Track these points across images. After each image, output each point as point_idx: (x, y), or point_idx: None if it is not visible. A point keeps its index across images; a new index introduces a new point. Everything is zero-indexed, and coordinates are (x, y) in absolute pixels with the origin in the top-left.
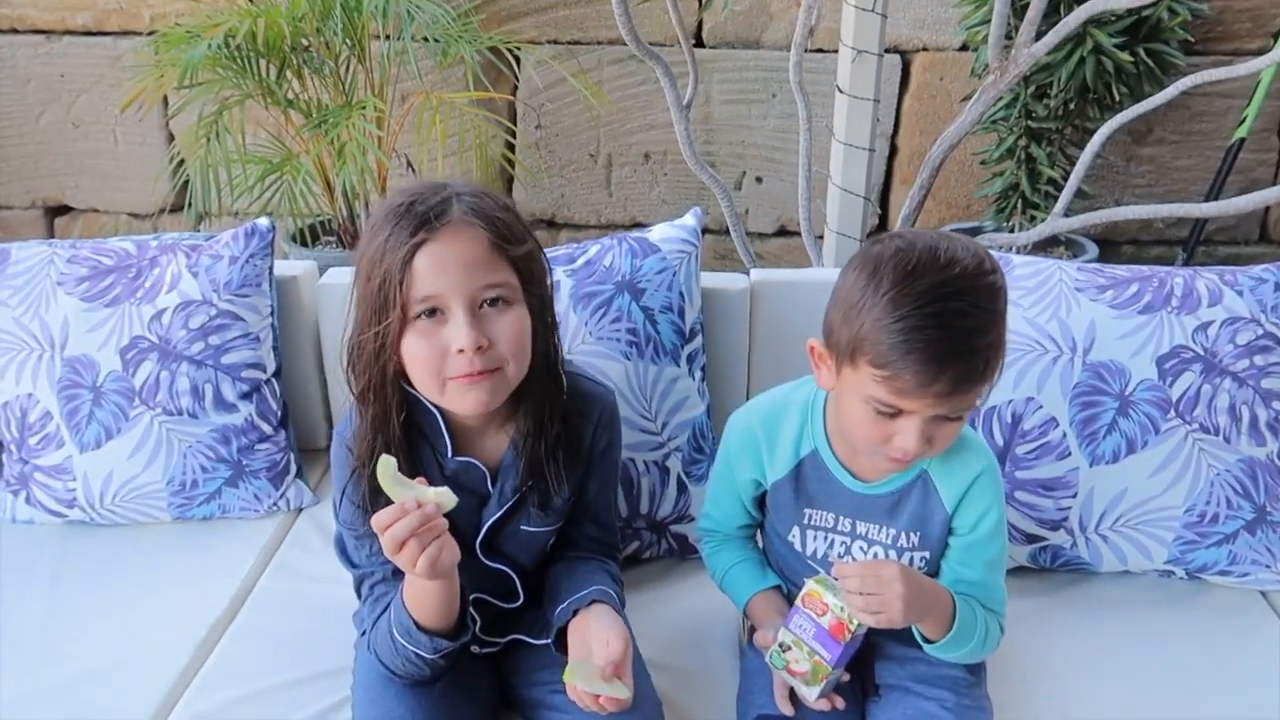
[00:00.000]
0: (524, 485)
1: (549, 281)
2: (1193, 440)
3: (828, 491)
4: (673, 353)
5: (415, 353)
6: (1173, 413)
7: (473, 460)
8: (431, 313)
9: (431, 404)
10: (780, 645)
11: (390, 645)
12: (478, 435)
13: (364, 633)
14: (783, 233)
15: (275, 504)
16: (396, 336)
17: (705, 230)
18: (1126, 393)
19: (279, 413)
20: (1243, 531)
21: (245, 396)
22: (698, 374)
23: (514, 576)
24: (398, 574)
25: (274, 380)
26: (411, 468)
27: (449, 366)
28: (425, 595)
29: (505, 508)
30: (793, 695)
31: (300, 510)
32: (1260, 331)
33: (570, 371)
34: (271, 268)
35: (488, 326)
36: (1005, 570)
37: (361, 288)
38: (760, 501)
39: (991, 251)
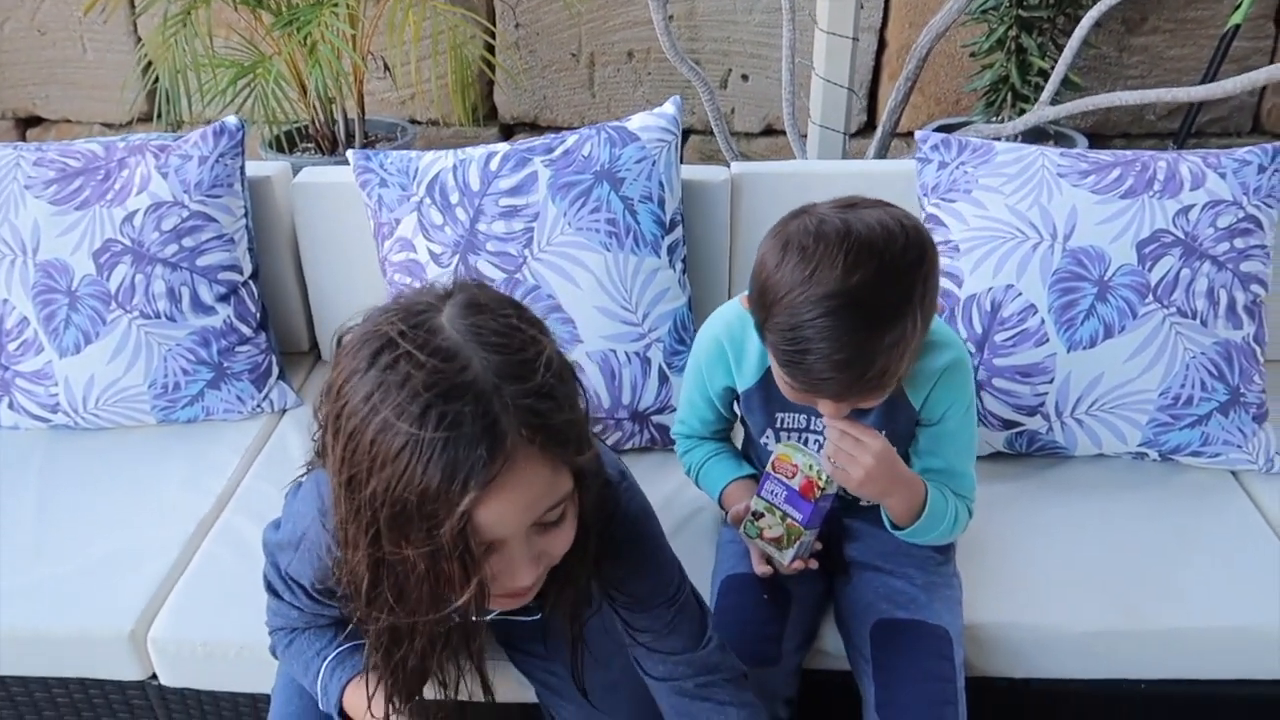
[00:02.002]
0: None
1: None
2: (1170, 324)
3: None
4: (653, 243)
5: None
6: (1151, 297)
7: None
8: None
9: None
10: (753, 514)
11: (304, 681)
12: None
13: (274, 646)
14: (769, 132)
15: (259, 406)
16: (466, 580)
17: (690, 130)
18: (1105, 278)
19: (258, 315)
20: (1216, 413)
21: (223, 299)
22: (678, 265)
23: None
24: (309, 624)
25: (251, 282)
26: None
27: (498, 587)
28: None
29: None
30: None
31: (284, 412)
32: (1242, 214)
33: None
34: (243, 168)
35: (542, 544)
36: (975, 456)
37: (391, 536)
38: (732, 403)
39: (972, 142)
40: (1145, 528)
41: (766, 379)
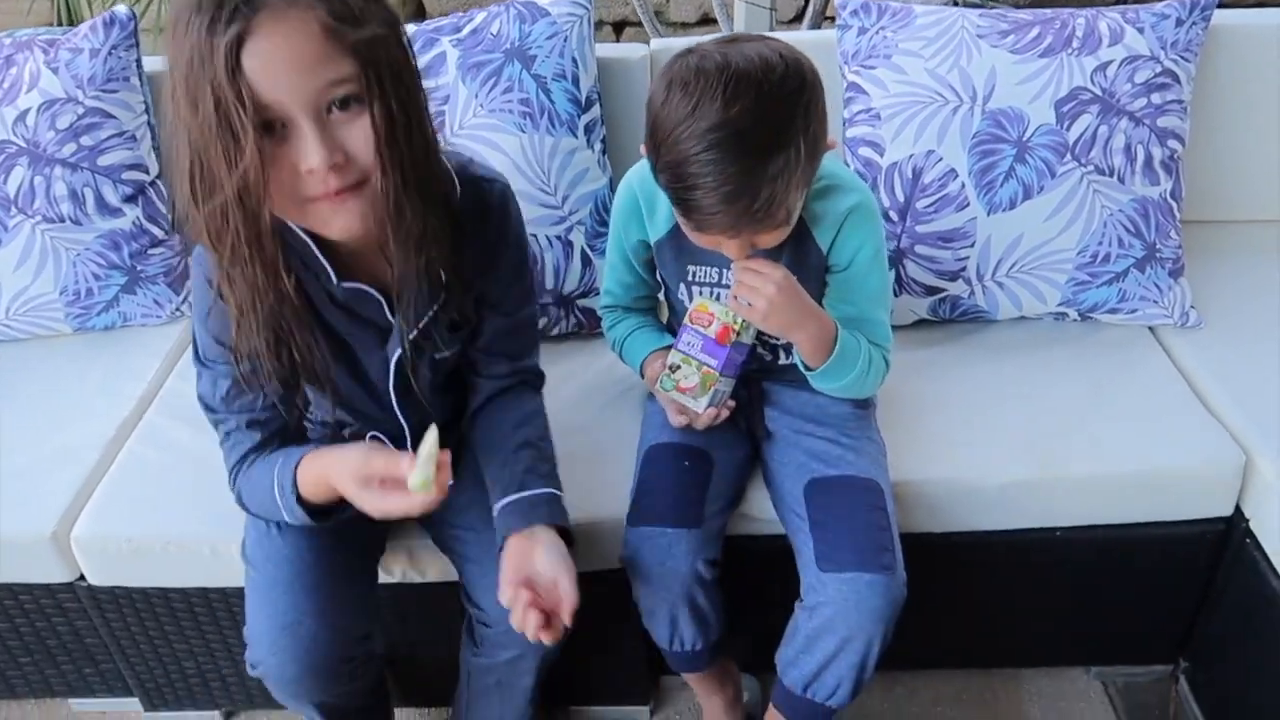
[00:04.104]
0: (427, 310)
1: (414, 65)
2: (1088, 182)
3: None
4: (569, 123)
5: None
6: (1069, 156)
7: (364, 288)
8: (271, 126)
9: (300, 228)
10: (670, 367)
11: (269, 506)
12: (363, 258)
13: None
14: (705, 21)
15: (178, 309)
16: (260, 166)
17: (625, 22)
18: (1025, 139)
19: (169, 216)
20: (1133, 269)
21: (129, 200)
22: (597, 145)
23: (404, 425)
24: (252, 425)
25: (159, 182)
26: (296, 302)
27: (305, 187)
28: (328, 491)
29: (409, 339)
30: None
31: None
32: (1159, 69)
33: (459, 168)
34: (139, 60)
35: (340, 136)
36: (889, 305)
37: (190, 119)
38: (653, 265)
39: (892, 6)
40: (1061, 383)
41: (677, 229)
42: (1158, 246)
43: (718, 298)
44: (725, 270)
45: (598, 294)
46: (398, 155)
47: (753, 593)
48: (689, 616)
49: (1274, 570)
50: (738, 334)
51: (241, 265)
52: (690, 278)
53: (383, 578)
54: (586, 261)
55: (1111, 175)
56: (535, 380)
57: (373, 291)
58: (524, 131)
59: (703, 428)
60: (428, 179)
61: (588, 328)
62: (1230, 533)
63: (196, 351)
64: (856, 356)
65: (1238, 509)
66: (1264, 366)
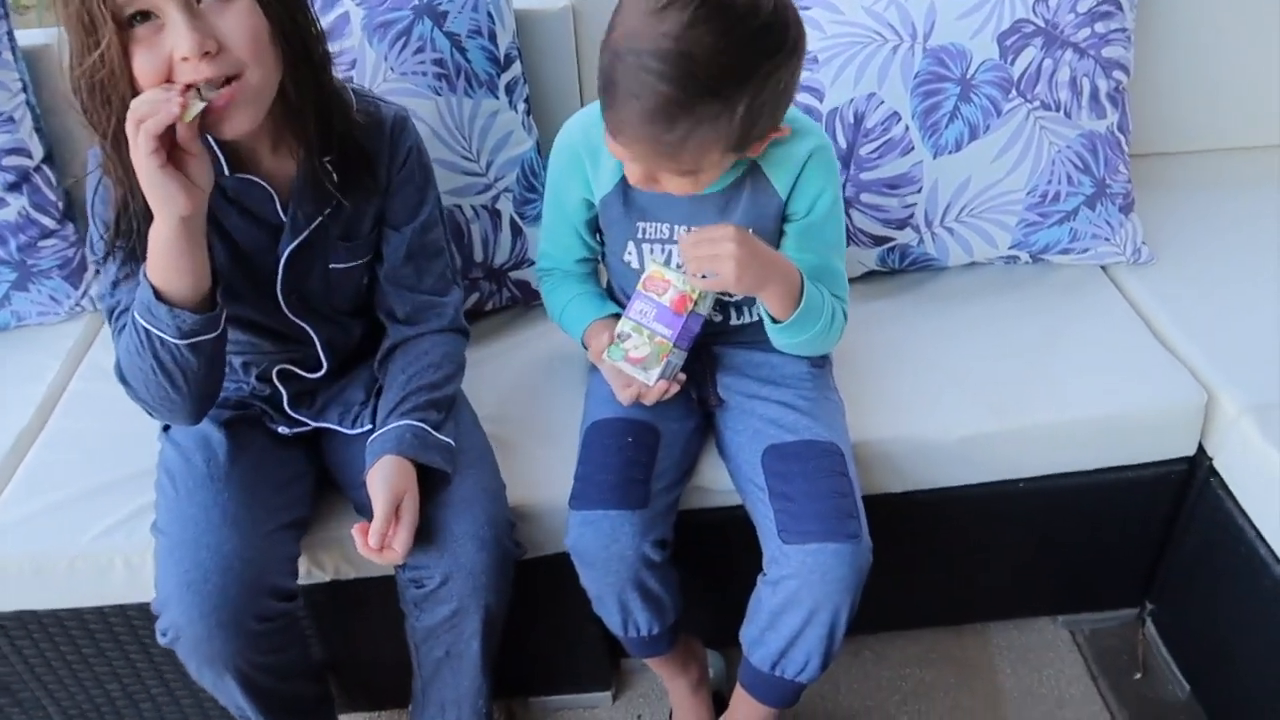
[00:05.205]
0: (320, 212)
1: None
2: (1034, 119)
3: (658, 200)
4: (488, 83)
5: (140, 69)
6: (1014, 92)
7: (253, 178)
8: (145, 16)
9: None
10: (619, 336)
11: (135, 347)
12: (257, 155)
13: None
14: None
15: (78, 305)
16: (122, 55)
17: None
18: (968, 76)
19: (60, 204)
20: (1083, 207)
21: (13, 188)
22: (521, 106)
23: (313, 336)
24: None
25: (45, 167)
26: None
27: (180, 76)
28: (165, 248)
29: (301, 237)
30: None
31: None
32: None
33: (356, 91)
34: (11, 34)
35: (213, 24)
36: (844, 254)
37: (62, 11)
38: (595, 226)
39: None
40: (1016, 330)
41: (626, 182)
42: (1107, 182)
43: (669, 255)
44: (676, 225)
45: (531, 265)
46: (275, 48)
47: (713, 566)
48: (640, 601)
49: (1239, 507)
50: (695, 303)
51: (114, 146)
52: (640, 235)
53: (316, 576)
54: (517, 231)
55: (1058, 110)
56: (449, 329)
57: (261, 181)
58: (440, 95)
59: (652, 402)
60: (313, 81)
61: (523, 300)
62: (1194, 472)
63: (92, 249)
64: (822, 307)
65: (1200, 448)
66: (1219, 300)
